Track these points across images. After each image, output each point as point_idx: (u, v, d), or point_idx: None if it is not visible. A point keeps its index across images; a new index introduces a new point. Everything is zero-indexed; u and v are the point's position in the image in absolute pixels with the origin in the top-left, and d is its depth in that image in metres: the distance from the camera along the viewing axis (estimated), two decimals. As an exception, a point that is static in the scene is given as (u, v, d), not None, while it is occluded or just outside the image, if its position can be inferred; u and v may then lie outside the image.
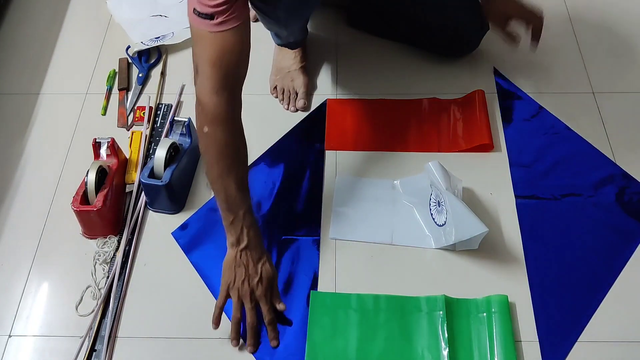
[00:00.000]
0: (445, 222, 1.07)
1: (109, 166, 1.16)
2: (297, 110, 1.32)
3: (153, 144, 1.27)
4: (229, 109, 0.95)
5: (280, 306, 1.01)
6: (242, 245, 0.98)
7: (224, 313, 1.00)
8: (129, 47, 1.45)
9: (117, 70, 1.42)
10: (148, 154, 1.25)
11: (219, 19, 0.91)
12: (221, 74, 0.93)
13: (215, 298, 1.03)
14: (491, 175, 1.20)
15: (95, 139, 1.18)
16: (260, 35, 1.33)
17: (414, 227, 1.13)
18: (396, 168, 1.21)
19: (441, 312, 1.01)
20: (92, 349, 1.01)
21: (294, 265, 1.09)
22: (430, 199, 1.12)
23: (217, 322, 0.99)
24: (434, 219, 1.10)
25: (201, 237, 1.14)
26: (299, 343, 1.00)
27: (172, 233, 1.14)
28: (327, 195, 1.18)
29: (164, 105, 1.35)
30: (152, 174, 1.14)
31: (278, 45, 1.35)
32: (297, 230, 1.14)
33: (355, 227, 1.13)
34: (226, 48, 0.92)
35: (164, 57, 1.44)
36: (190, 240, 1.14)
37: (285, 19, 1.17)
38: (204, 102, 0.94)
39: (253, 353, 0.99)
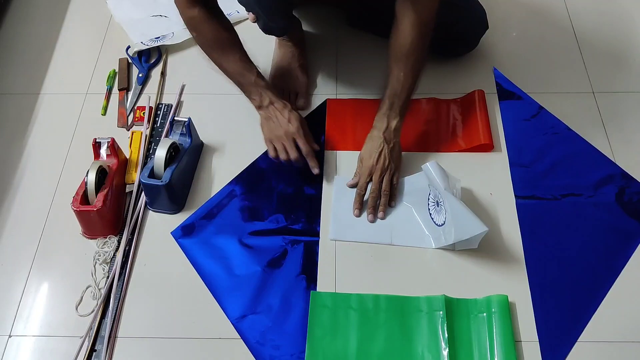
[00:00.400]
0: (444, 222, 1.07)
1: (109, 166, 1.16)
2: (297, 110, 1.32)
3: (153, 144, 1.27)
4: (202, 15, 1.09)
5: (314, 145, 1.17)
6: (265, 102, 1.15)
7: (224, 316, 1.02)
8: (129, 47, 1.45)
9: (117, 70, 1.42)
10: (148, 154, 1.25)
11: None
12: None
13: (216, 299, 1.05)
14: (491, 175, 1.20)
15: (95, 139, 1.18)
16: (260, 36, 1.33)
17: (413, 227, 1.13)
18: (396, 168, 1.21)
19: (441, 312, 1.01)
20: (92, 349, 1.01)
21: (294, 266, 1.09)
22: (429, 199, 1.12)
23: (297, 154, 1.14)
24: (432, 218, 1.10)
25: (201, 237, 1.14)
26: (299, 343, 1.00)
27: (171, 233, 1.14)
28: (327, 196, 1.18)
29: (164, 105, 1.35)
30: (152, 174, 1.14)
31: (262, 30, 1.34)
32: (297, 230, 1.14)
33: (354, 227, 1.13)
34: None
35: (164, 57, 1.44)
36: (190, 240, 1.14)
37: None
38: (182, 14, 1.11)
39: (317, 173, 1.17)
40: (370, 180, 1.15)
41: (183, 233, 1.15)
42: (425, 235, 1.12)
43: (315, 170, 1.16)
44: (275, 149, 1.16)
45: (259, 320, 1.03)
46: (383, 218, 1.14)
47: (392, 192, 1.15)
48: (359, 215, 1.14)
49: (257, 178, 1.21)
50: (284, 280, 1.08)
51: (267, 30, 1.31)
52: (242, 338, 1.01)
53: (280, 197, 1.18)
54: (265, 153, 1.24)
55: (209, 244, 1.13)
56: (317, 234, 1.13)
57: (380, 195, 1.14)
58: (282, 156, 1.15)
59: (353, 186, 1.17)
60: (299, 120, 1.15)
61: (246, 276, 1.08)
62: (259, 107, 1.17)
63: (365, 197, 1.15)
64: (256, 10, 1.24)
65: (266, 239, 1.13)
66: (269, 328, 1.02)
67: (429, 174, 1.11)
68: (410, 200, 1.16)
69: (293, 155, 1.14)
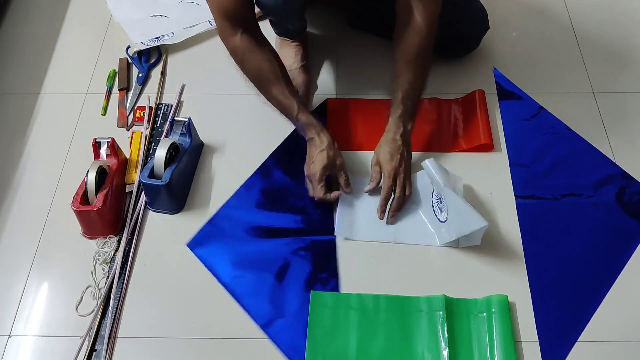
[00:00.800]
0: (447, 218, 1.07)
1: (109, 166, 1.16)
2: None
3: (153, 144, 1.27)
4: (245, 45, 1.10)
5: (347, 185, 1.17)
6: (309, 136, 1.14)
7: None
8: (129, 47, 1.45)
9: (117, 70, 1.42)
10: (148, 154, 1.25)
11: None
12: (229, 22, 1.08)
13: (242, 305, 1.05)
14: (491, 175, 1.20)
15: (95, 139, 1.18)
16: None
17: (418, 224, 1.13)
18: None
19: (441, 312, 1.01)
20: (92, 349, 1.01)
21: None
22: (433, 196, 1.12)
23: (323, 195, 1.13)
24: (436, 215, 1.11)
25: (218, 245, 1.12)
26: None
27: (187, 244, 1.13)
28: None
29: (164, 105, 1.35)
30: (152, 174, 1.14)
31: (277, 34, 1.34)
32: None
33: (359, 225, 1.13)
34: (226, 2, 1.06)
35: (164, 57, 1.44)
36: (207, 249, 1.12)
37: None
38: (226, 45, 1.12)
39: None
40: (394, 183, 1.13)
41: (198, 243, 1.13)
42: (429, 232, 1.12)
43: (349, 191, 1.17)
44: (321, 178, 1.13)
45: (288, 324, 1.02)
46: (393, 223, 1.14)
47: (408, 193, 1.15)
48: (391, 223, 1.14)
49: (260, 179, 1.21)
50: (284, 280, 1.07)
51: (283, 33, 1.33)
52: (276, 344, 1.00)
53: (282, 197, 1.18)
54: (272, 155, 1.24)
55: (227, 251, 1.11)
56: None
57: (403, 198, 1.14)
58: (343, 188, 1.15)
59: (373, 191, 1.15)
60: (337, 156, 1.15)
61: (269, 280, 1.07)
62: (306, 139, 1.16)
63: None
64: (280, 14, 1.24)
65: (282, 240, 1.12)
66: (301, 330, 1.01)
67: (429, 170, 1.11)
68: (413, 199, 1.16)
69: (346, 188, 1.15)
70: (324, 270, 1.08)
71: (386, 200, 1.13)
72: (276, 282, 1.07)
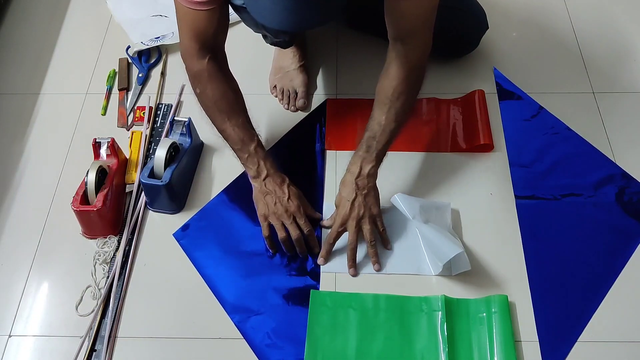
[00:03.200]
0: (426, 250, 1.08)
1: (109, 166, 1.16)
2: (297, 110, 1.32)
3: (153, 144, 1.27)
4: (211, 70, 1.04)
5: (316, 214, 1.13)
6: (263, 175, 1.08)
7: (224, 316, 1.02)
8: (129, 47, 1.45)
9: (117, 70, 1.42)
10: (148, 154, 1.25)
11: None
12: (199, 44, 1.01)
13: (218, 299, 1.05)
14: (491, 175, 1.20)
15: (95, 139, 1.18)
16: (259, 35, 1.33)
17: (409, 254, 1.10)
18: (396, 168, 1.20)
19: (441, 312, 1.01)
20: (92, 349, 1.01)
21: (295, 266, 1.09)
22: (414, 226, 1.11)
23: (273, 248, 1.10)
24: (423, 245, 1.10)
25: (203, 237, 1.14)
26: (298, 342, 1.00)
27: (173, 234, 1.14)
28: (328, 196, 1.18)
29: (164, 105, 1.35)
30: (152, 174, 1.14)
31: (269, 44, 1.34)
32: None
33: (343, 258, 1.09)
34: (202, 24, 0.99)
35: (164, 57, 1.44)
36: (192, 240, 1.13)
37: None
38: (187, 66, 1.05)
39: (320, 262, 1.09)
40: (345, 230, 1.07)
41: (185, 234, 1.14)
42: (422, 263, 1.09)
43: (321, 260, 1.09)
44: (268, 227, 1.08)
45: (262, 321, 1.03)
46: (379, 270, 1.07)
47: (384, 237, 1.09)
48: (354, 275, 1.07)
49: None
50: (287, 279, 1.08)
51: (274, 44, 1.32)
52: (245, 339, 1.01)
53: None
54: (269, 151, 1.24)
55: (211, 245, 1.13)
56: (318, 235, 1.13)
57: (357, 248, 1.07)
58: (281, 235, 1.07)
59: (328, 227, 1.11)
60: (298, 197, 1.09)
61: (248, 276, 1.08)
62: (254, 178, 1.09)
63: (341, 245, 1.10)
64: (263, 31, 1.23)
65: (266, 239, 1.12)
66: (272, 329, 1.02)
67: (399, 207, 1.10)
68: (396, 232, 1.13)
69: (295, 234, 1.07)
70: (305, 269, 1.09)
71: (352, 250, 1.07)
72: (255, 277, 1.08)
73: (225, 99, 1.06)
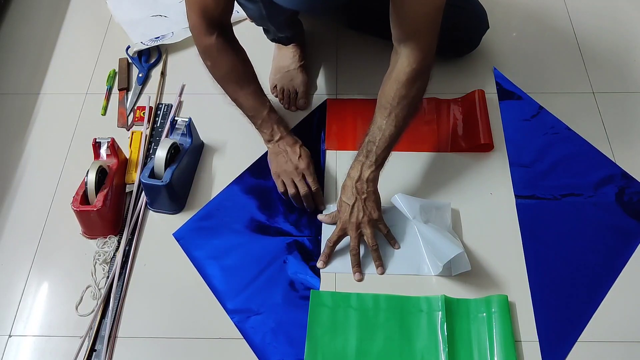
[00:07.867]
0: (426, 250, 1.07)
1: (109, 166, 1.16)
2: (297, 109, 1.32)
3: (153, 144, 1.27)
4: (219, 44, 1.07)
5: (314, 184, 1.14)
6: (277, 137, 1.14)
7: (224, 316, 1.02)
8: (129, 47, 1.45)
9: (117, 70, 1.42)
10: (148, 154, 1.25)
11: None
12: (207, 21, 1.05)
13: (218, 299, 1.05)
14: (491, 175, 1.20)
15: (95, 139, 1.18)
16: (259, 35, 1.33)
17: (409, 255, 1.10)
18: (396, 168, 1.20)
19: (441, 312, 1.01)
20: (92, 349, 1.01)
21: (295, 265, 1.09)
22: (414, 226, 1.11)
23: (289, 202, 1.15)
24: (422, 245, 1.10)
25: (203, 237, 1.14)
26: (298, 342, 1.00)
27: (173, 234, 1.14)
28: (328, 195, 1.18)
29: (164, 105, 1.35)
30: (152, 174, 1.14)
31: (270, 40, 1.34)
32: (298, 230, 1.14)
33: (344, 258, 1.10)
34: (209, 1, 1.02)
35: (164, 57, 1.44)
36: (192, 240, 1.13)
37: (266, 11, 1.15)
38: (197, 42, 1.09)
39: (320, 266, 1.09)
40: (345, 234, 1.08)
41: (184, 234, 1.14)
42: (422, 263, 1.09)
43: (321, 264, 1.09)
44: (283, 183, 1.14)
45: (262, 321, 1.03)
46: (382, 273, 1.08)
47: (389, 237, 1.10)
48: (359, 280, 1.07)
49: (257, 178, 1.21)
50: (286, 279, 1.08)
51: (275, 40, 1.32)
52: (245, 339, 1.01)
53: (280, 197, 1.18)
54: (266, 153, 1.24)
55: (211, 245, 1.12)
56: (318, 234, 1.13)
57: (359, 253, 1.08)
58: (291, 191, 1.13)
59: (325, 223, 1.13)
60: (308, 157, 1.14)
61: (248, 276, 1.08)
62: (268, 141, 1.15)
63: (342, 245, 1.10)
64: (267, 24, 1.24)
65: (267, 238, 1.13)
66: (272, 329, 1.02)
67: (399, 207, 1.10)
68: (395, 231, 1.13)
69: (303, 190, 1.12)
70: (305, 269, 1.09)
71: (355, 256, 1.07)
72: (255, 277, 1.08)
73: (235, 70, 1.10)
